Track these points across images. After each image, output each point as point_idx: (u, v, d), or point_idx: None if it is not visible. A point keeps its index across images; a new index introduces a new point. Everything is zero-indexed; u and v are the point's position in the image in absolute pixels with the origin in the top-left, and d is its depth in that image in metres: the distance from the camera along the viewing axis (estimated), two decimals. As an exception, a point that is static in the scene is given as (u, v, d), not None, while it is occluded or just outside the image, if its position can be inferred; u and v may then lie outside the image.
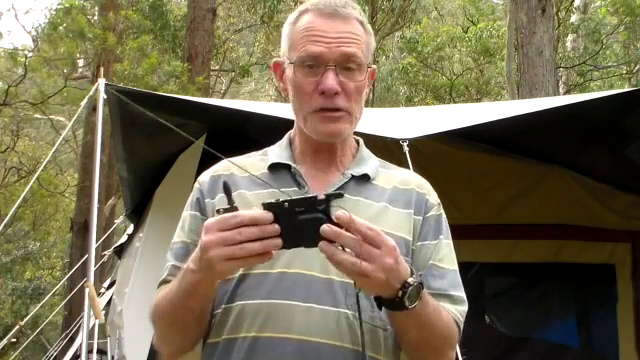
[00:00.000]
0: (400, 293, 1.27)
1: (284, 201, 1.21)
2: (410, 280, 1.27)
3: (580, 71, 14.58)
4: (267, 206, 1.21)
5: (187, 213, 1.53)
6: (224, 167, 1.55)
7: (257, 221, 1.20)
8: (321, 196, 1.22)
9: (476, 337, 4.24)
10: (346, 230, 1.21)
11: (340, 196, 1.23)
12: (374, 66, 1.57)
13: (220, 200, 1.44)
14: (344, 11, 1.46)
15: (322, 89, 1.43)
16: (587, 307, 4.92)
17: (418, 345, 1.41)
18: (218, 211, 1.26)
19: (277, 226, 1.20)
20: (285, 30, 1.52)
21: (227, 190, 1.26)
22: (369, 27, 1.52)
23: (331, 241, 1.21)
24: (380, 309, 1.33)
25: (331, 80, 1.43)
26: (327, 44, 1.43)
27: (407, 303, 1.28)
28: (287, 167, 1.51)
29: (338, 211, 1.21)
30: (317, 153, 1.52)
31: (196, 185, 1.55)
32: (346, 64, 1.44)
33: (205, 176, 1.55)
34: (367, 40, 1.50)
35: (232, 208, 1.24)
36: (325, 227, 1.20)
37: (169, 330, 1.46)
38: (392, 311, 1.32)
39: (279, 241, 1.21)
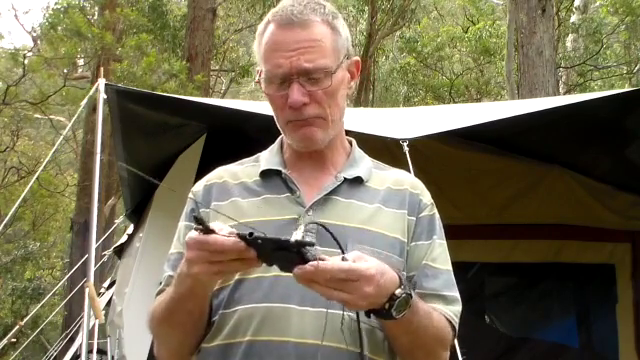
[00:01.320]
0: (387, 305, 1.28)
1: (257, 238, 1.21)
2: (397, 292, 1.28)
3: (580, 71, 14.58)
4: (242, 238, 1.22)
5: (182, 224, 1.54)
6: (217, 176, 1.55)
7: (233, 250, 1.21)
8: (292, 241, 1.21)
9: (476, 337, 4.24)
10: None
11: (311, 245, 1.22)
12: (356, 58, 1.54)
13: (207, 212, 1.47)
14: (301, 18, 1.43)
15: (289, 104, 1.43)
16: (587, 307, 4.92)
17: (410, 349, 1.41)
18: (196, 229, 1.26)
19: (252, 251, 1.22)
20: (256, 40, 1.51)
21: (199, 221, 1.25)
22: (336, 22, 1.48)
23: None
24: (369, 317, 1.33)
25: (296, 94, 1.41)
26: (288, 58, 1.41)
27: (394, 314, 1.29)
28: (278, 173, 1.50)
29: (309, 264, 1.21)
30: (305, 157, 1.52)
31: (190, 196, 1.56)
32: (310, 74, 1.42)
33: (199, 186, 1.56)
34: (334, 40, 1.46)
35: (207, 232, 1.24)
36: (297, 271, 1.21)
37: (168, 336, 1.46)
38: (381, 320, 1.33)
39: (258, 262, 1.23)
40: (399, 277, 1.30)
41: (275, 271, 1.37)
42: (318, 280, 1.22)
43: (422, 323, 1.36)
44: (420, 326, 1.36)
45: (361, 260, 1.25)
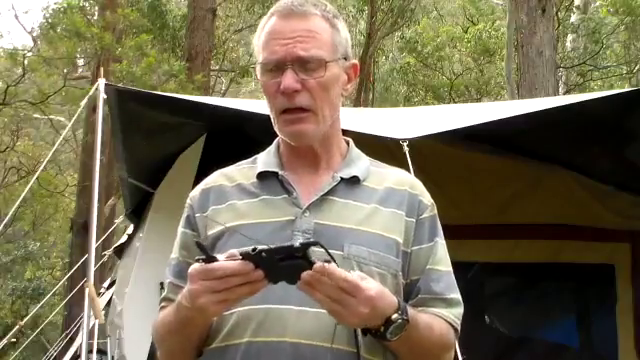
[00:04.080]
0: (382, 328, 1.31)
1: (262, 250, 1.22)
2: (394, 317, 1.31)
3: (580, 71, 14.58)
4: (246, 255, 1.22)
5: (179, 230, 1.56)
6: (214, 180, 1.56)
7: (238, 273, 1.23)
8: (297, 244, 1.23)
9: (476, 337, 4.24)
10: (326, 261, 1.24)
11: (316, 244, 1.24)
12: (354, 61, 1.56)
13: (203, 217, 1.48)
14: (300, 9, 1.47)
15: (281, 89, 1.44)
16: (587, 307, 4.92)
17: (413, 359, 1.44)
18: (198, 260, 1.27)
19: (260, 271, 1.23)
20: (255, 36, 1.54)
21: (201, 247, 1.27)
22: (337, 21, 1.51)
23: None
24: (364, 335, 1.35)
25: (289, 79, 1.43)
26: (284, 45, 1.44)
27: (389, 337, 1.32)
28: (275, 174, 1.51)
29: (317, 263, 1.23)
30: (300, 157, 1.52)
31: (187, 201, 1.57)
32: (304, 62, 1.44)
33: (196, 191, 1.56)
34: (331, 35, 1.49)
35: (210, 259, 1.25)
36: (305, 275, 1.23)
37: (169, 349, 1.50)
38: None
39: (264, 282, 1.25)
40: (398, 302, 1.33)
41: None
42: (321, 285, 1.24)
43: (423, 337, 1.38)
44: (421, 340, 1.38)
45: (365, 280, 1.28)
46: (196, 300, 1.27)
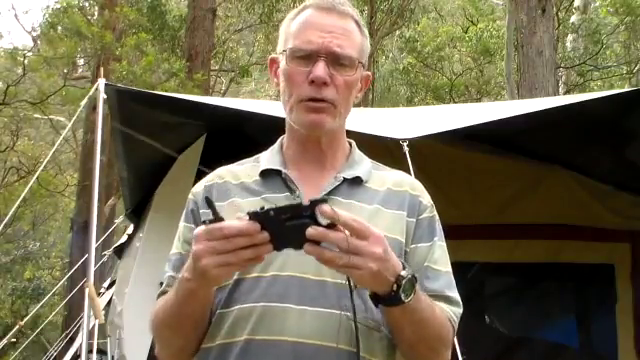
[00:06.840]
0: (395, 287, 1.28)
1: (269, 209, 1.21)
2: (403, 273, 1.29)
3: (580, 71, 14.58)
4: (253, 215, 1.21)
5: (182, 225, 1.54)
6: (218, 176, 1.56)
7: (244, 232, 1.22)
8: (306, 202, 1.22)
9: (476, 337, 4.25)
10: (331, 225, 1.22)
11: (324, 201, 1.22)
12: (368, 72, 1.57)
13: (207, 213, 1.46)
14: (341, 7, 1.50)
15: (312, 78, 1.45)
16: (587, 307, 4.92)
17: (413, 343, 1.41)
18: (204, 222, 1.26)
19: (266, 233, 1.21)
20: (283, 25, 1.55)
21: (210, 204, 1.27)
22: (365, 30, 1.55)
23: (318, 243, 1.22)
24: (377, 306, 1.34)
25: (321, 70, 1.44)
26: (321, 37, 1.46)
27: (403, 296, 1.29)
28: (278, 173, 1.51)
29: (322, 206, 1.21)
30: (306, 154, 1.52)
31: (190, 196, 1.56)
32: (337, 58, 1.46)
33: (199, 187, 1.56)
34: (361, 40, 1.52)
35: (217, 219, 1.24)
36: (310, 229, 1.20)
37: (169, 339, 1.47)
38: (389, 307, 1.32)
39: (270, 246, 1.23)
40: (402, 262, 1.32)
41: (273, 271, 1.39)
42: (331, 239, 1.21)
43: (425, 314, 1.36)
44: (423, 317, 1.36)
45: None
46: (198, 262, 1.25)
